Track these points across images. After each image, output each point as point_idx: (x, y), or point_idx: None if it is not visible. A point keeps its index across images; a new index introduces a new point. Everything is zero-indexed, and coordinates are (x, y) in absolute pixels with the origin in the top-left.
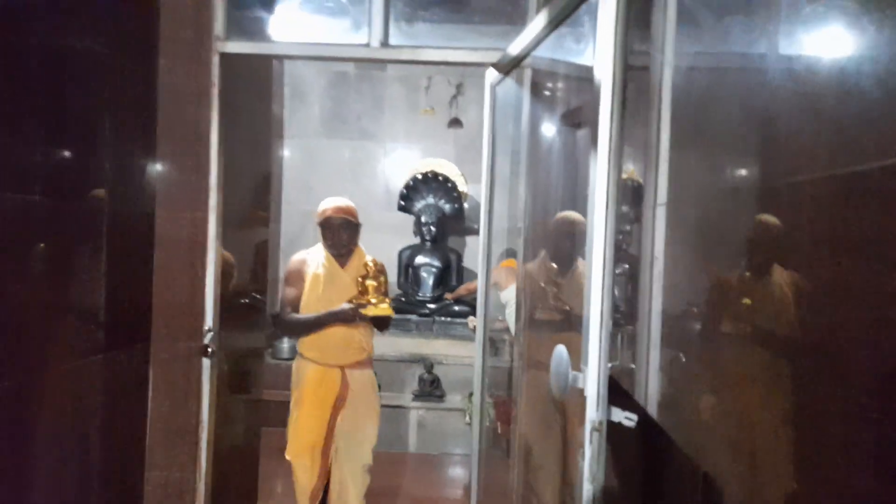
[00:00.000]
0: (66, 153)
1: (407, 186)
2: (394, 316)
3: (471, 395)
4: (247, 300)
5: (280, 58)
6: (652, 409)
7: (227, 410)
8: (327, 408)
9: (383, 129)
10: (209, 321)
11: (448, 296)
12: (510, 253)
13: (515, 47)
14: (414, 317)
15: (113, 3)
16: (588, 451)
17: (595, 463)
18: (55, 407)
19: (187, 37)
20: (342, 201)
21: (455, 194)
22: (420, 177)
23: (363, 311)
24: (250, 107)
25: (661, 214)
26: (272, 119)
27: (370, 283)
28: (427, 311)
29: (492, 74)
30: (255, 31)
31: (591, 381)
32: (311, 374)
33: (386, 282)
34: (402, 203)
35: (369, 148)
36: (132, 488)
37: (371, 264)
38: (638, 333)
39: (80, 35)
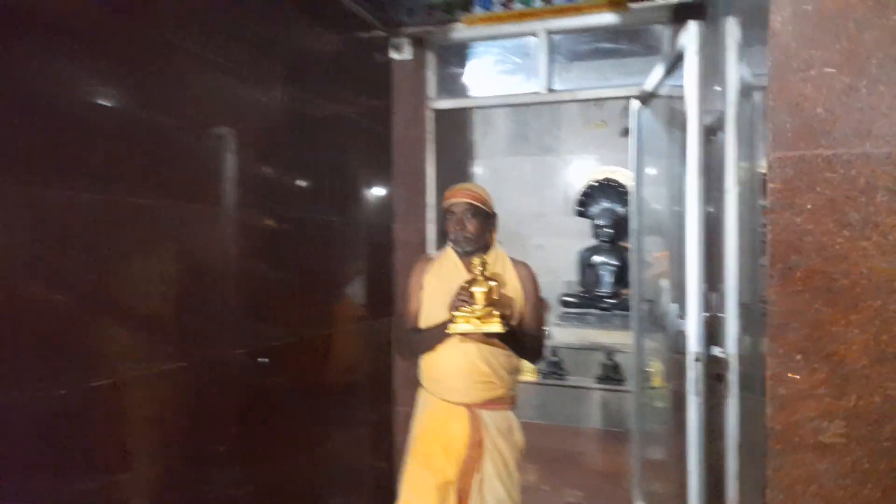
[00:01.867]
0: (346, 186)
1: (584, 193)
2: (502, 331)
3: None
4: None
5: (473, 108)
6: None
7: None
8: (453, 460)
9: (561, 144)
10: None
11: (625, 291)
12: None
13: (649, 84)
14: (594, 311)
15: (365, 87)
16: (692, 374)
17: (698, 382)
18: (353, 347)
19: (410, 101)
20: (469, 185)
21: (628, 198)
22: (595, 183)
23: (450, 326)
24: (452, 139)
25: (731, 199)
26: (467, 144)
27: (477, 289)
28: (606, 306)
29: (635, 104)
30: (456, 89)
31: (692, 325)
32: (432, 410)
33: (497, 288)
34: (580, 208)
35: (549, 161)
36: (386, 418)
37: (480, 265)
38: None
39: (347, 109)
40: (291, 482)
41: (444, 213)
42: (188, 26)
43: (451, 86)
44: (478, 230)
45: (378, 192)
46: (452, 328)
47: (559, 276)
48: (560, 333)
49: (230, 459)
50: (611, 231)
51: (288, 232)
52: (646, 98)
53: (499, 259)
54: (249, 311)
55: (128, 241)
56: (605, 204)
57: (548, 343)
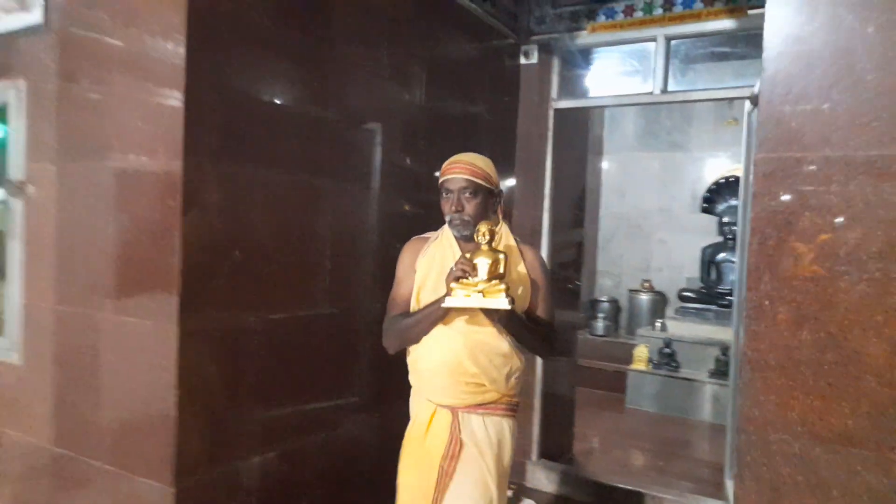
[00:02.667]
0: None
1: (710, 190)
2: (508, 307)
3: None
4: (570, 286)
5: (593, 107)
6: None
7: (554, 366)
8: (433, 469)
9: (691, 141)
10: None
11: None
12: None
13: (757, 87)
14: (714, 307)
15: (495, 88)
16: None
17: None
18: None
19: (534, 100)
20: (468, 156)
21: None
22: (723, 181)
23: (447, 298)
24: (573, 135)
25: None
26: (591, 139)
27: (481, 259)
28: (726, 303)
29: (747, 105)
30: (578, 90)
31: None
32: (417, 412)
33: (505, 262)
34: (706, 205)
35: (678, 158)
36: None
37: (483, 232)
38: None
39: (478, 108)
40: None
41: (439, 190)
42: (354, 42)
43: (573, 87)
44: (477, 211)
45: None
46: (449, 301)
47: (681, 272)
48: (675, 327)
49: (360, 395)
50: (736, 228)
51: (419, 215)
52: (755, 99)
53: (503, 240)
54: (381, 275)
55: (305, 211)
56: (732, 201)
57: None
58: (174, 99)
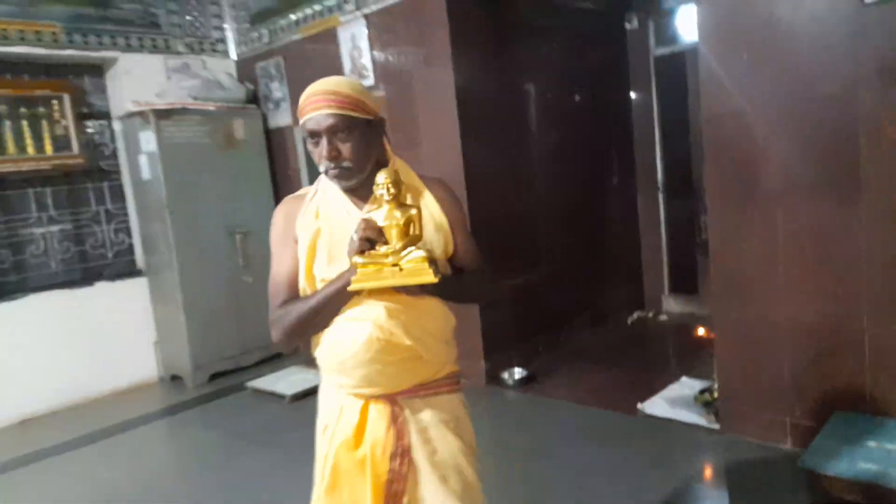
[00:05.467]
0: (600, 107)
1: None
2: (436, 280)
3: None
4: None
5: (686, 50)
6: None
7: (675, 214)
8: (377, 488)
9: None
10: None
11: None
12: None
13: None
14: None
15: (609, 49)
16: None
17: None
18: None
19: (640, 52)
20: (327, 82)
21: None
22: None
23: (353, 280)
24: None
25: None
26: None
27: (389, 222)
28: None
29: None
30: (672, 39)
31: None
32: (344, 413)
33: (419, 218)
34: None
35: None
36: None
37: (384, 184)
38: None
39: (606, 61)
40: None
41: (304, 135)
42: (541, 39)
43: (668, 37)
44: (359, 152)
45: (616, 114)
46: (356, 283)
47: None
48: None
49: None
50: None
51: (569, 145)
52: None
53: (407, 178)
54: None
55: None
56: None
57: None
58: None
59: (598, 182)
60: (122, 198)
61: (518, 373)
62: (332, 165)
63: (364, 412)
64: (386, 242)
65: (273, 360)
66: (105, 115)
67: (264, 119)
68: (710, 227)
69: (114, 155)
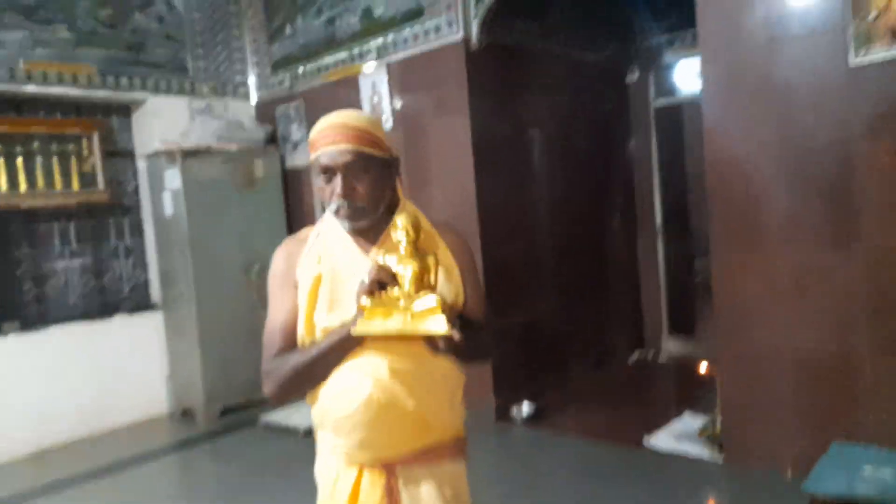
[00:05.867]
0: (598, 150)
1: None
2: (447, 332)
3: None
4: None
5: (683, 102)
6: None
7: (674, 260)
8: None
9: None
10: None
11: None
12: None
13: None
14: None
15: (612, 98)
16: None
17: None
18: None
19: (640, 103)
20: (346, 115)
21: None
22: None
23: (358, 322)
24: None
25: None
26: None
27: (403, 267)
28: None
29: None
30: (670, 91)
31: None
32: (339, 480)
33: (436, 267)
34: None
35: None
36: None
37: (403, 228)
38: None
39: (608, 110)
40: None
41: (313, 171)
42: (546, 91)
43: (667, 89)
44: (374, 192)
45: (617, 161)
46: (361, 327)
47: None
48: None
49: None
50: None
51: (572, 190)
52: None
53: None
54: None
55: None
56: None
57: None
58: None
59: (600, 225)
60: (140, 233)
61: (527, 408)
62: (346, 204)
63: (357, 483)
64: (400, 287)
65: None
66: (129, 154)
67: (282, 159)
68: (714, 267)
69: (135, 192)
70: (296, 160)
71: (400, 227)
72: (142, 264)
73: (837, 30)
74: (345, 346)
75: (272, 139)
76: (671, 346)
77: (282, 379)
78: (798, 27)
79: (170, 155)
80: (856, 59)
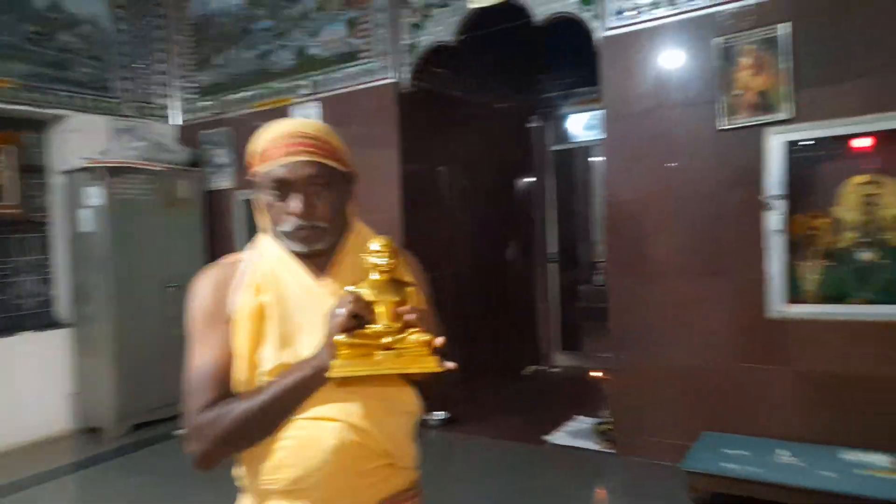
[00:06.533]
0: (503, 190)
1: None
2: (440, 369)
3: None
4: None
5: (575, 147)
6: None
7: (566, 287)
8: None
9: None
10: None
11: None
12: None
13: None
14: None
15: (514, 140)
16: None
17: None
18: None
19: (540, 146)
20: (307, 125)
21: None
22: None
23: (334, 365)
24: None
25: None
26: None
27: (380, 295)
28: None
29: None
30: (566, 137)
31: None
32: None
33: (414, 295)
34: None
35: None
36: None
37: (382, 253)
38: None
39: (507, 152)
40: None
41: (261, 185)
42: (463, 132)
43: (563, 135)
44: (335, 210)
45: (520, 196)
46: (341, 369)
47: None
48: None
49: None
50: None
51: (482, 221)
52: None
53: (362, 248)
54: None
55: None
56: None
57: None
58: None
59: (504, 254)
60: (46, 250)
61: (440, 415)
62: (304, 224)
63: None
64: (374, 322)
65: None
66: (43, 169)
67: (204, 182)
68: (609, 292)
69: (43, 207)
70: (219, 182)
71: (376, 252)
72: (47, 281)
73: (710, 101)
74: (308, 386)
75: (195, 162)
76: (563, 360)
77: (223, 432)
78: (680, 97)
79: (93, 171)
80: (723, 125)
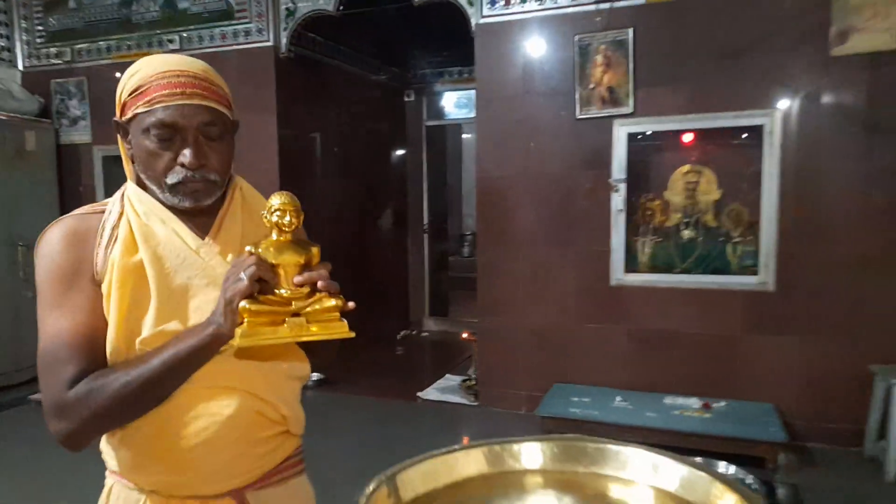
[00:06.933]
0: (376, 163)
1: None
2: (352, 335)
3: None
4: (444, 226)
5: (448, 123)
6: None
7: (438, 262)
8: None
9: None
10: None
11: None
12: None
13: None
14: None
15: (389, 115)
16: None
17: None
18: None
19: (414, 122)
20: (191, 63)
21: None
22: None
23: (240, 335)
24: (440, 139)
25: None
26: (453, 139)
27: (286, 258)
28: None
29: None
30: (439, 114)
31: None
32: None
33: (318, 254)
34: None
35: None
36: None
37: (282, 209)
38: None
39: (381, 126)
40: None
41: (138, 128)
42: (341, 105)
43: (436, 112)
44: (226, 161)
45: (393, 168)
46: (248, 338)
47: None
48: None
49: None
50: None
51: (356, 191)
52: None
53: (250, 205)
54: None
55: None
56: None
57: None
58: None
59: (377, 224)
60: None
61: (315, 376)
62: (196, 177)
63: None
64: (285, 286)
65: None
66: None
67: (56, 134)
68: (479, 260)
69: None
70: (73, 136)
71: (276, 208)
72: None
73: (570, 92)
74: (203, 356)
75: (44, 113)
76: (431, 325)
77: (100, 409)
78: (544, 87)
79: None
80: (580, 114)
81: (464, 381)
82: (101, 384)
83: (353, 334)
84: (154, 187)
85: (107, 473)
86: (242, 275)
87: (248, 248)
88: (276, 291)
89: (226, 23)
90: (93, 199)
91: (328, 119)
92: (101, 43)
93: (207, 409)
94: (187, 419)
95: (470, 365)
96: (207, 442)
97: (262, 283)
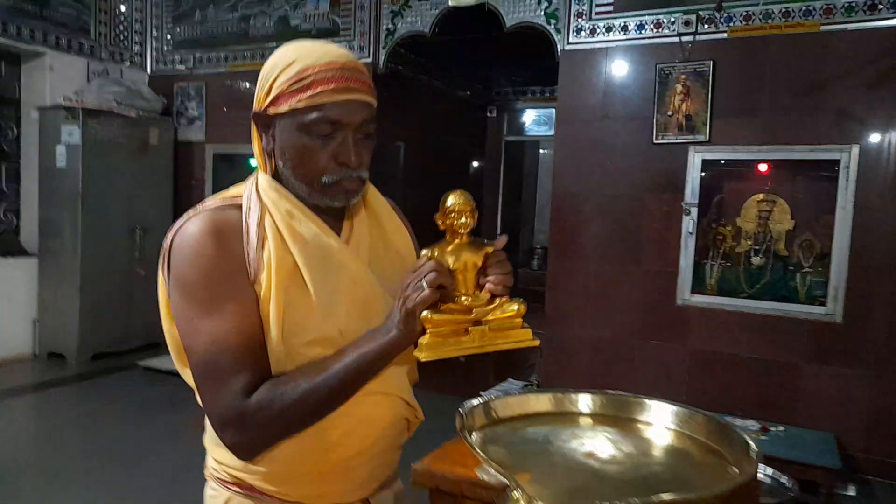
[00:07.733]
0: (459, 174)
1: None
2: (537, 343)
3: None
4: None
5: (528, 141)
6: None
7: None
8: None
9: None
10: None
11: None
12: None
13: None
14: None
15: (474, 130)
16: None
17: None
18: None
19: (495, 136)
20: (347, 55)
21: None
22: None
23: (424, 345)
24: (520, 156)
25: None
26: (531, 154)
27: (464, 263)
28: None
29: None
30: (519, 130)
31: None
32: None
33: (492, 251)
34: None
35: None
36: None
37: (459, 209)
38: None
39: (466, 140)
40: None
41: (294, 122)
42: (432, 114)
43: (516, 128)
44: (369, 158)
45: (471, 179)
46: (429, 352)
47: None
48: None
49: None
50: None
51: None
52: None
53: (379, 207)
54: None
55: None
56: None
57: None
58: None
59: None
60: (17, 181)
61: None
62: (353, 176)
63: None
64: (466, 292)
65: (152, 347)
66: (15, 102)
67: (175, 132)
68: (549, 272)
69: (16, 140)
70: (189, 134)
71: (451, 209)
72: (15, 211)
73: (647, 117)
74: (380, 364)
75: (166, 112)
76: None
77: (284, 417)
78: (623, 111)
79: (71, 111)
80: (656, 139)
81: (525, 385)
82: (282, 392)
83: (537, 342)
84: (302, 184)
85: (213, 485)
86: (423, 282)
87: (424, 251)
88: (456, 298)
89: (331, 40)
90: (203, 192)
91: (413, 130)
92: (220, 53)
93: (369, 417)
94: (349, 428)
95: (533, 371)
96: (366, 450)
97: (441, 290)
